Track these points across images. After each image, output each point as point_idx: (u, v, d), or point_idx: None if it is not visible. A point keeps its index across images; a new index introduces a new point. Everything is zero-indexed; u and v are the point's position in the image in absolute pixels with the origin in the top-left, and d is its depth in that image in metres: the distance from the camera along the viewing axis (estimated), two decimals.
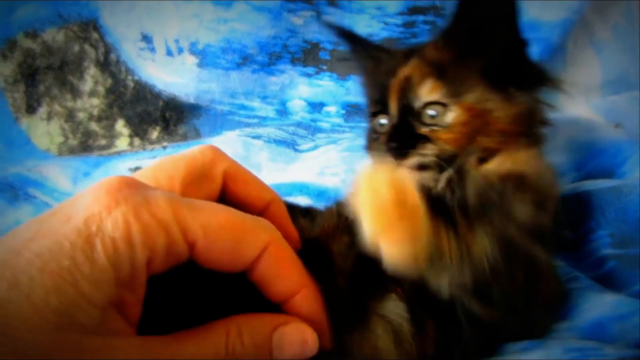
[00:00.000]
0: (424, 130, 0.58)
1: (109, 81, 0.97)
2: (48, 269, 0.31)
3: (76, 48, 0.97)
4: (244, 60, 0.94)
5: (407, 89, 0.59)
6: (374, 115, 0.63)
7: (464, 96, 0.58)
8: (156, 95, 0.97)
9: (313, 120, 0.97)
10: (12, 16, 0.97)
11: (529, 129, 0.61)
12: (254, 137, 0.94)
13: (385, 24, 0.93)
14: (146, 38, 0.95)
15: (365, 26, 0.94)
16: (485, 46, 0.59)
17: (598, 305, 0.55)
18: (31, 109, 0.98)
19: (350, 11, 0.94)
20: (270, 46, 0.95)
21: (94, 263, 0.32)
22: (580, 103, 0.90)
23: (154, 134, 0.98)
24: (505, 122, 0.59)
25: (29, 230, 0.34)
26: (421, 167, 0.56)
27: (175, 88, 0.96)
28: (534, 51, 0.91)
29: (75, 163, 0.97)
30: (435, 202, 0.47)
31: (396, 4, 0.92)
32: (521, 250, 0.50)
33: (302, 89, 0.97)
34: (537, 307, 0.53)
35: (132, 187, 0.36)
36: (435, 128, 0.57)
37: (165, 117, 0.97)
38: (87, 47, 0.97)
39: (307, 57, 0.96)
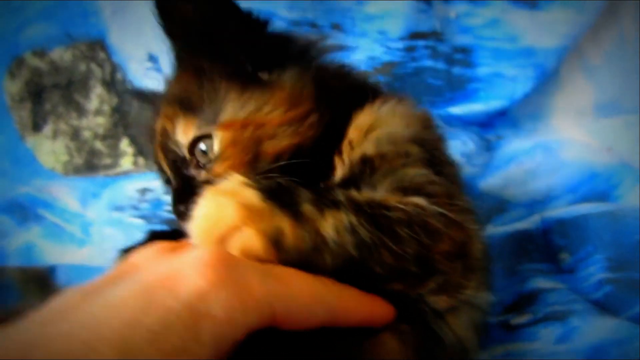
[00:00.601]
0: (202, 176, 0.51)
1: (115, 100, 0.99)
2: (158, 346, 0.31)
3: (83, 67, 0.98)
4: None
5: (167, 144, 0.53)
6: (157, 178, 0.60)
7: (220, 115, 0.52)
8: None
9: None
10: (20, 35, 0.98)
11: (323, 99, 0.54)
12: None
13: (387, 47, 0.95)
14: (152, 58, 0.97)
15: (368, 50, 0.96)
16: (216, 50, 0.54)
17: (598, 328, 0.57)
18: (37, 127, 0.99)
19: (353, 35, 0.97)
20: None
21: (201, 344, 0.32)
22: (574, 126, 0.93)
23: None
24: (283, 111, 0.52)
25: (125, 289, 0.34)
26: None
27: None
28: (529, 76, 0.97)
29: (82, 184, 0.98)
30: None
31: (398, 28, 0.94)
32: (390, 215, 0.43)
33: None
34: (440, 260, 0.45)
35: (231, 264, 0.36)
36: (209, 165, 0.51)
37: None
38: (93, 66, 0.98)
39: None
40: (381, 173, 0.47)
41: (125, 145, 0.99)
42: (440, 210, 0.44)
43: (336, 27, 0.97)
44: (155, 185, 0.91)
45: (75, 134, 0.99)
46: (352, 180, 0.47)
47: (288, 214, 0.40)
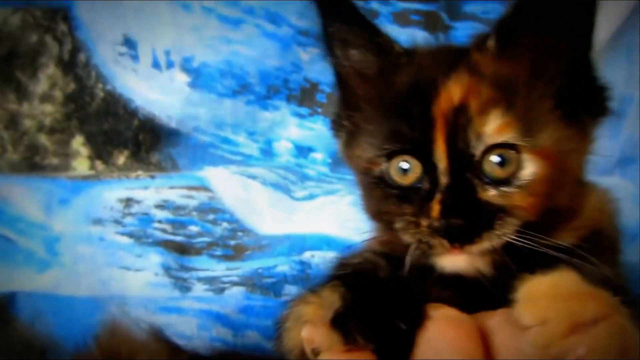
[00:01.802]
0: (491, 194, 0.40)
1: (72, 86, 0.78)
2: None
3: (34, 38, 0.76)
4: (241, 88, 0.82)
5: (461, 124, 0.40)
6: (390, 155, 0.43)
7: (538, 135, 0.41)
8: (131, 113, 0.79)
9: (299, 166, 0.88)
10: None
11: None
12: (248, 177, 0.82)
13: None
14: (129, 42, 0.78)
15: None
16: (557, 54, 0.43)
17: None
18: None
19: None
20: (271, 78, 0.84)
21: None
22: None
23: (121, 158, 0.79)
24: (581, 166, 0.46)
25: None
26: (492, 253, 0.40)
27: (157, 107, 0.80)
28: None
29: (46, 185, 0.75)
30: None
31: None
32: None
33: (291, 130, 0.87)
34: None
35: None
36: (506, 189, 0.40)
37: (138, 140, 0.79)
38: (48, 39, 0.76)
39: (304, 96, 0.87)
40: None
41: (78, 143, 0.78)
42: None
43: None
44: (142, 195, 0.74)
45: (11, 122, 0.76)
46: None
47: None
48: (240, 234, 0.75)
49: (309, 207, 0.82)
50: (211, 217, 0.75)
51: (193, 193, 0.76)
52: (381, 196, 0.43)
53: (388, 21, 0.89)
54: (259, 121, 0.86)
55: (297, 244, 0.74)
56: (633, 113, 1.01)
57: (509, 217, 0.39)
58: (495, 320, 0.36)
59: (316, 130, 0.90)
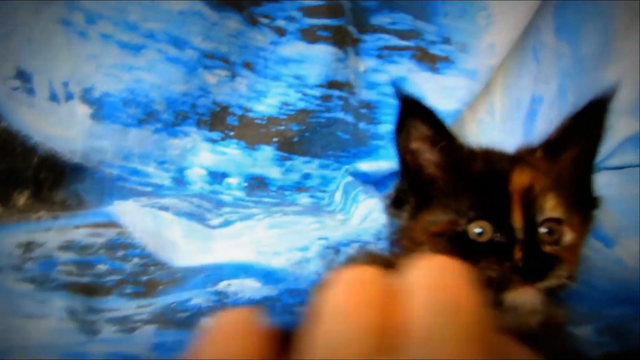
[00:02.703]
0: (549, 248, 0.54)
1: None
2: None
3: None
4: (148, 116, 0.80)
5: (530, 201, 0.55)
6: (470, 220, 0.56)
7: (572, 215, 0.56)
8: (30, 150, 0.74)
9: (214, 192, 0.86)
10: None
11: None
12: (160, 209, 0.78)
13: (303, 94, 0.88)
14: (23, 75, 0.74)
15: (281, 94, 0.88)
16: (578, 164, 0.60)
17: None
18: None
19: (265, 77, 0.87)
20: (178, 104, 0.82)
21: None
22: None
23: (21, 199, 0.74)
24: (581, 248, 0.59)
25: None
26: (550, 292, 0.53)
27: (58, 142, 0.76)
28: None
29: None
30: None
31: (316, 75, 0.88)
32: None
33: (204, 155, 0.85)
34: None
35: None
36: (556, 247, 0.54)
37: (39, 178, 0.74)
38: None
39: (215, 120, 0.85)
40: None
41: None
42: None
43: (248, 65, 0.87)
44: (44, 237, 0.69)
45: None
46: None
47: None
48: (152, 268, 0.71)
49: (225, 234, 0.79)
50: (120, 253, 0.70)
51: (100, 230, 0.72)
52: (461, 249, 0.55)
53: (296, 38, 0.88)
54: (169, 149, 0.83)
55: (213, 274, 0.71)
56: (544, 112, 1.04)
57: (562, 264, 0.53)
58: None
59: (229, 155, 0.88)
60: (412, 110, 0.59)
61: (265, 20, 0.86)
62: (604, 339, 0.68)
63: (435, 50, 0.95)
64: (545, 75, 1.04)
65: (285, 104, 0.88)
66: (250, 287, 0.70)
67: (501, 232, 0.54)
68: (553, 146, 0.60)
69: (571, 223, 0.56)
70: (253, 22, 0.85)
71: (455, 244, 0.56)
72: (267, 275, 0.72)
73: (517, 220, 0.54)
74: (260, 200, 0.88)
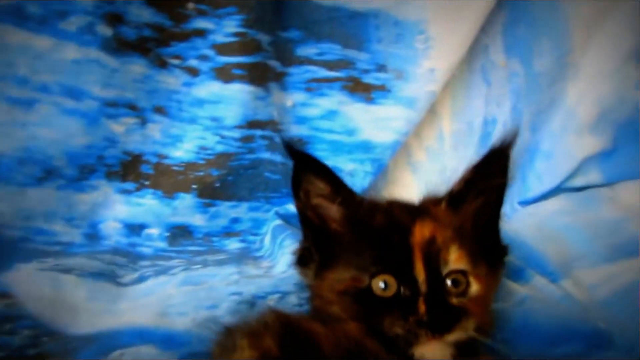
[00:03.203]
0: (455, 301, 0.54)
1: None
2: None
3: None
4: (47, 174, 0.75)
5: (433, 253, 0.55)
6: (373, 275, 0.55)
7: (477, 266, 0.56)
8: None
9: (131, 245, 0.81)
10: None
11: None
12: (62, 271, 0.74)
13: (222, 137, 0.83)
14: None
15: (198, 138, 0.83)
16: (483, 214, 0.60)
17: None
18: None
19: (180, 120, 0.82)
20: (82, 157, 0.77)
21: None
22: None
23: None
24: (491, 298, 0.61)
25: None
26: (460, 345, 0.53)
27: None
28: (367, 171, 0.93)
29: None
30: None
31: (234, 116, 0.82)
32: None
33: (118, 208, 0.81)
34: None
35: None
36: (462, 299, 0.54)
37: None
38: None
39: (127, 170, 0.81)
40: None
41: None
42: None
43: (159, 110, 0.82)
44: None
45: None
46: None
47: None
48: (45, 339, 0.67)
49: (135, 292, 0.74)
50: (7, 326, 0.67)
51: None
52: (366, 306, 0.54)
53: (210, 78, 0.83)
54: (77, 205, 0.79)
55: (107, 342, 0.66)
56: (498, 134, 0.96)
57: (469, 316, 0.53)
58: None
59: (146, 205, 0.83)
60: (307, 167, 0.59)
61: (175, 61, 0.81)
62: None
63: (369, 79, 0.89)
64: (497, 96, 0.98)
65: (203, 148, 0.83)
66: (146, 354, 0.66)
67: (405, 285, 0.54)
68: (456, 197, 0.60)
69: (477, 274, 0.56)
70: (161, 64, 0.80)
71: (361, 302, 0.55)
72: (167, 340, 0.68)
73: (420, 273, 0.54)
74: (185, 249, 0.84)
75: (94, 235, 0.80)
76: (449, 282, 0.54)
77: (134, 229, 0.82)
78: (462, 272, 0.55)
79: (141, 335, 0.68)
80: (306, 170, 0.58)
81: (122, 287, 0.76)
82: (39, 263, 0.75)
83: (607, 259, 0.80)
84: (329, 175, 0.58)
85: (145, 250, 0.82)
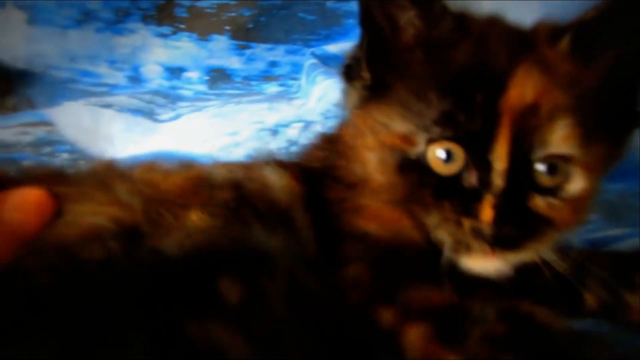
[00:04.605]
0: (540, 204, 0.38)
1: None
2: None
3: None
4: (85, 16, 0.80)
5: (530, 127, 0.37)
6: (432, 138, 0.38)
7: (591, 149, 0.39)
8: None
9: (172, 88, 0.85)
10: None
11: None
12: (102, 107, 0.79)
13: None
14: None
15: None
16: (624, 71, 0.41)
17: None
18: None
19: None
20: (116, 0, 0.81)
21: None
22: None
23: None
24: (595, 194, 0.42)
25: None
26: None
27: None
28: None
29: None
30: None
31: None
32: None
33: (157, 51, 0.84)
34: None
35: None
36: (552, 201, 0.38)
37: None
38: None
39: (161, 14, 0.83)
40: None
41: None
42: None
43: None
44: None
45: None
46: None
47: None
48: (82, 163, 0.73)
49: (169, 128, 0.79)
50: (48, 150, 0.74)
51: (29, 129, 0.75)
52: (413, 183, 0.39)
53: None
54: (117, 48, 0.83)
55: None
56: None
57: (552, 230, 0.38)
58: None
59: (183, 49, 0.85)
60: None
61: None
62: None
63: None
64: None
65: None
66: None
67: (475, 166, 0.37)
68: (588, 34, 0.40)
69: (587, 162, 0.38)
70: None
71: (405, 174, 0.39)
72: None
73: (501, 157, 0.37)
74: (224, 92, 0.86)
75: (136, 77, 0.85)
76: (541, 167, 0.37)
77: (174, 72, 0.85)
78: (565, 159, 0.38)
79: (163, 158, 0.71)
80: None
81: (157, 123, 0.81)
82: (85, 100, 0.81)
83: None
84: None
85: (186, 93, 0.85)
